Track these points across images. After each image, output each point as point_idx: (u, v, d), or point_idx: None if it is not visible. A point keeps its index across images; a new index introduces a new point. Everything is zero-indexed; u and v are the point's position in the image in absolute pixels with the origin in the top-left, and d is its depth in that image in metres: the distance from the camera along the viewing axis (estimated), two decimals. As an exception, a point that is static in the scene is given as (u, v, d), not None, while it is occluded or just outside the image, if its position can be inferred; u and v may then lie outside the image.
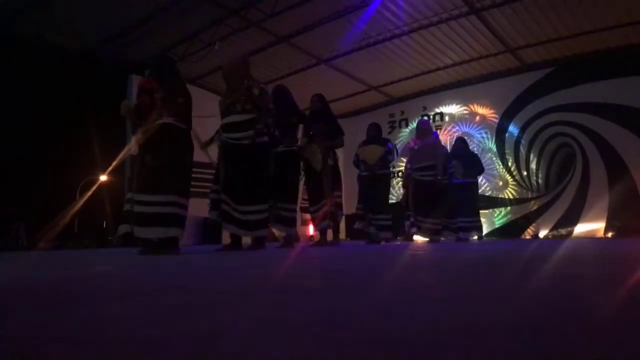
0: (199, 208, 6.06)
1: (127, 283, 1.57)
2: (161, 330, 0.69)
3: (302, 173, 5.28)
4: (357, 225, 6.41)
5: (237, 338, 0.62)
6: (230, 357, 0.52)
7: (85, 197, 7.41)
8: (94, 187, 7.73)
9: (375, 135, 6.33)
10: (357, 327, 0.69)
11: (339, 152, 5.80)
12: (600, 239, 7.42)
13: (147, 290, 1.27)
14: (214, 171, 4.30)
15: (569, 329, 0.64)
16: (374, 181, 6.09)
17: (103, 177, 7.96)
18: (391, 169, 6.31)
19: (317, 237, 5.46)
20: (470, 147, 10.14)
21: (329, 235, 5.38)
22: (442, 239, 6.47)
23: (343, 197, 5.50)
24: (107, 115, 6.94)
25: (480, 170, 7.53)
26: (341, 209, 5.45)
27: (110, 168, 7.37)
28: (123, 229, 4.23)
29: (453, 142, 8.34)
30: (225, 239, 5.63)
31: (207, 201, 4.28)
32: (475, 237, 7.36)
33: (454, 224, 6.75)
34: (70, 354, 0.56)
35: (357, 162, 6.34)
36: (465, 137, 10.26)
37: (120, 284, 1.53)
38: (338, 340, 0.60)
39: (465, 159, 7.25)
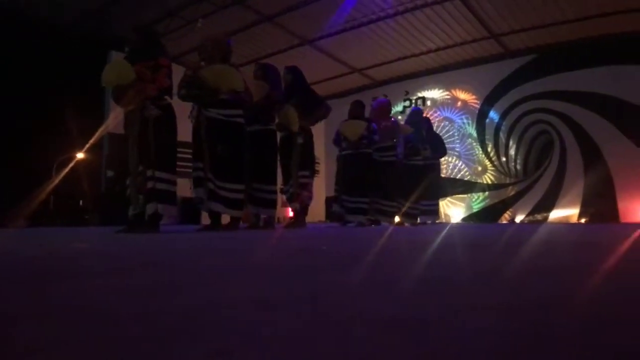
0: (179, 187, 5.97)
1: (107, 260, 1.53)
2: (148, 305, 0.67)
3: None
4: (334, 208, 6.23)
5: (231, 313, 0.61)
6: (221, 332, 0.51)
7: (62, 175, 7.28)
8: (71, 165, 7.59)
9: (359, 113, 6.03)
10: (344, 305, 0.68)
11: (320, 133, 5.61)
12: (574, 224, 7.59)
13: (129, 267, 1.25)
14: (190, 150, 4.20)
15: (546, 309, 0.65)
16: (355, 160, 5.79)
17: (80, 155, 7.81)
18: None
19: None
20: (451, 132, 10.27)
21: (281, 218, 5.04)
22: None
23: (323, 179, 5.32)
24: (85, 92, 6.79)
25: (444, 151, 7.38)
26: (308, 190, 5.10)
27: (87, 145, 7.25)
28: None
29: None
30: (205, 219, 5.56)
31: (186, 180, 4.20)
32: (429, 222, 7.02)
33: (415, 208, 6.41)
34: (44, 329, 0.54)
35: (338, 140, 6.02)
36: (447, 122, 10.39)
37: (100, 261, 1.50)
38: (329, 318, 0.59)
39: (432, 140, 7.02)
